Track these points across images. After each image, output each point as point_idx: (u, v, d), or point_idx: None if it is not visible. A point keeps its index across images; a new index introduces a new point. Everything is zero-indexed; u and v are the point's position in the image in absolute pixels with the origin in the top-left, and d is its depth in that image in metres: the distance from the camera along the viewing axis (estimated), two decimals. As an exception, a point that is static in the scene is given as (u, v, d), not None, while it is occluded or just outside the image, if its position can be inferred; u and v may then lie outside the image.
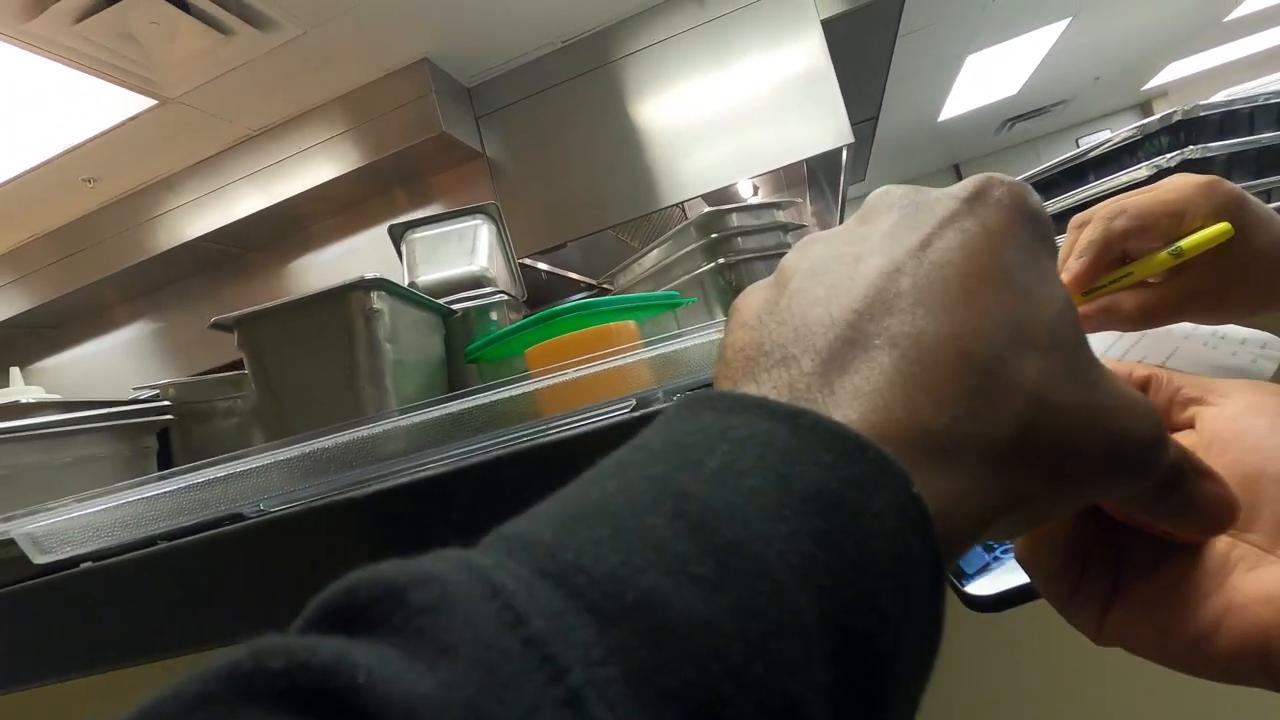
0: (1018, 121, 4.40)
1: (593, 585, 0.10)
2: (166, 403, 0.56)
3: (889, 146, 4.01)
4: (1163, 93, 4.69)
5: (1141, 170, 0.68)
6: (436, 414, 0.31)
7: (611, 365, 0.36)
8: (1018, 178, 0.77)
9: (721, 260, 0.72)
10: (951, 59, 3.10)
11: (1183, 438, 0.21)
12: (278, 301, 0.47)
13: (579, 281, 2.52)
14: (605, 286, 2.53)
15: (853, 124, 2.05)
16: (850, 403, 0.14)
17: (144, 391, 0.69)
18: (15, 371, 0.60)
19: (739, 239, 0.74)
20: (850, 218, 0.18)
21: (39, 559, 0.30)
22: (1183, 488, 0.17)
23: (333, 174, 2.29)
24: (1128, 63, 3.85)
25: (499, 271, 0.78)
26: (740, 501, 0.12)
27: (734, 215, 0.75)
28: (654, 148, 2.25)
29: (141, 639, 0.34)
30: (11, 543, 0.33)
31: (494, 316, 0.62)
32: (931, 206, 0.16)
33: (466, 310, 0.60)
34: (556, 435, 0.32)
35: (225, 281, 2.75)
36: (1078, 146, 0.78)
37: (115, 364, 2.89)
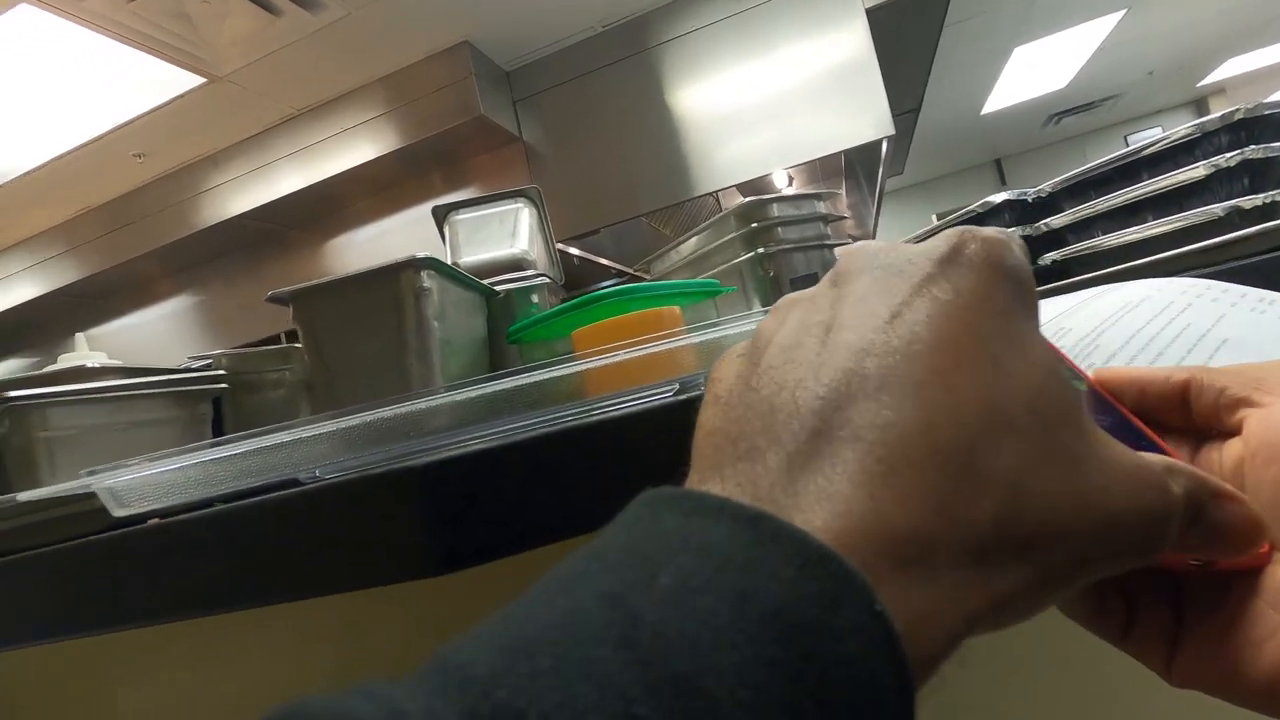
0: (1065, 116, 4.28)
1: None
2: (221, 372, 0.58)
3: (929, 139, 3.93)
4: (1220, 89, 4.52)
5: (1199, 169, 0.67)
6: (490, 390, 0.32)
7: (659, 349, 0.37)
8: (1067, 174, 0.74)
9: (761, 250, 0.72)
10: (999, 50, 3.02)
11: (1232, 446, 0.20)
12: (332, 277, 0.48)
13: (610, 267, 2.53)
14: (637, 273, 2.54)
15: (894, 115, 2.01)
16: (812, 505, 0.13)
17: (196, 361, 0.71)
18: (80, 337, 0.63)
19: (779, 229, 0.74)
20: (825, 277, 0.18)
21: (118, 512, 0.32)
22: (1205, 519, 0.16)
23: (372, 155, 2.33)
24: (1184, 57, 3.72)
25: (538, 255, 0.79)
26: (692, 626, 0.11)
27: (775, 205, 0.75)
28: (690, 135, 2.24)
29: (203, 593, 0.35)
30: (89, 496, 0.35)
31: (535, 299, 0.63)
32: (903, 269, 0.16)
33: (509, 291, 0.61)
34: (602, 415, 0.33)
35: (265, 258, 2.81)
36: (1126, 143, 0.76)
37: (158, 335, 2.99)
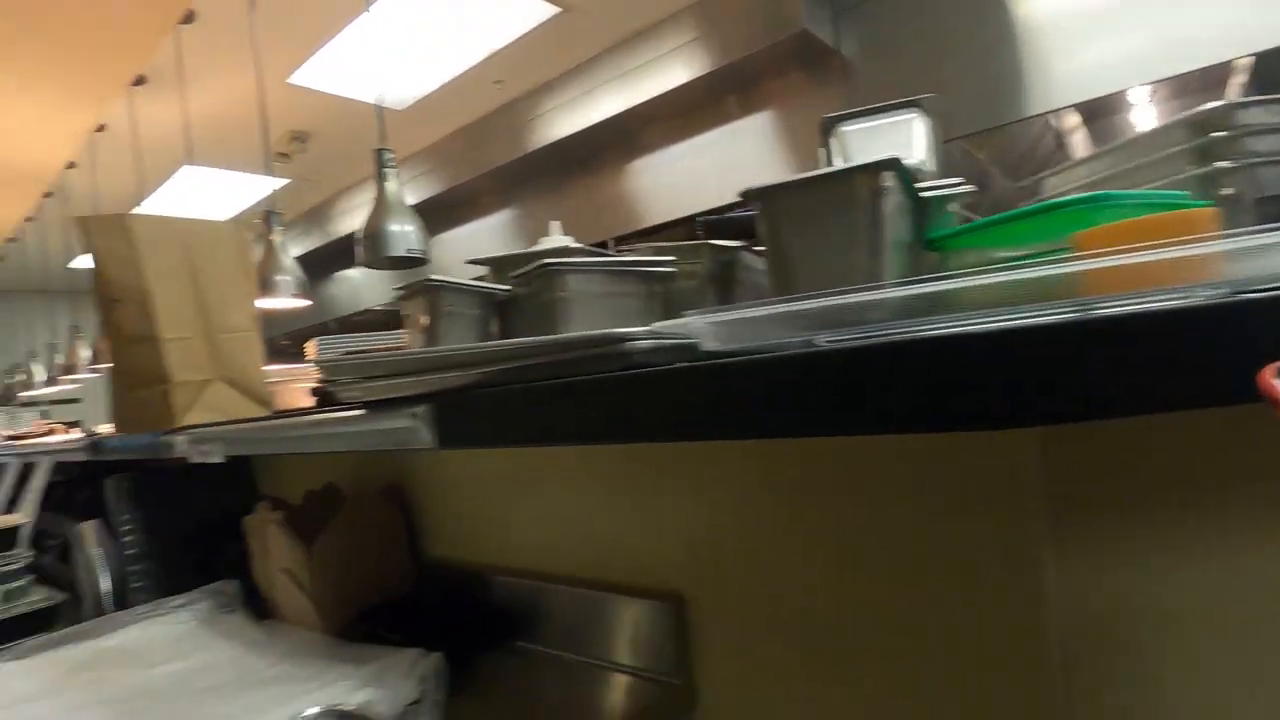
0: None
1: None
2: (671, 259, 0.69)
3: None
4: None
5: None
6: (1045, 273, 0.35)
7: (1195, 252, 0.36)
8: None
9: (1226, 163, 0.63)
10: None
11: None
12: (800, 176, 0.54)
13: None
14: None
15: (1345, 4, 1.55)
16: None
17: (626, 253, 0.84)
18: (555, 224, 0.79)
19: (1246, 140, 0.64)
20: None
21: (707, 346, 0.41)
22: None
23: (685, 78, 2.43)
24: None
25: (935, 165, 0.78)
26: None
27: (1242, 111, 0.65)
28: (1028, 45, 1.98)
29: (751, 420, 0.44)
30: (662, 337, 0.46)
31: (951, 207, 0.64)
32: None
33: (930, 198, 0.62)
34: (1142, 307, 0.34)
35: (571, 177, 3.10)
36: None
37: (479, 245, 3.53)
